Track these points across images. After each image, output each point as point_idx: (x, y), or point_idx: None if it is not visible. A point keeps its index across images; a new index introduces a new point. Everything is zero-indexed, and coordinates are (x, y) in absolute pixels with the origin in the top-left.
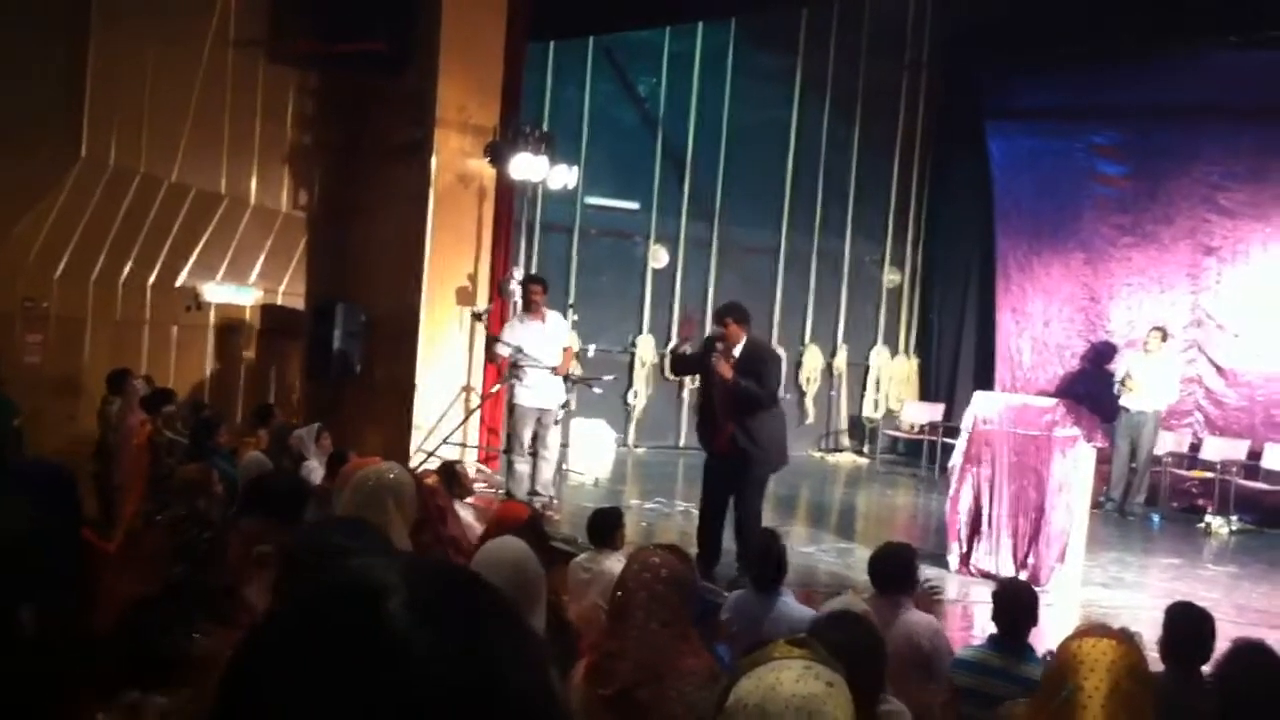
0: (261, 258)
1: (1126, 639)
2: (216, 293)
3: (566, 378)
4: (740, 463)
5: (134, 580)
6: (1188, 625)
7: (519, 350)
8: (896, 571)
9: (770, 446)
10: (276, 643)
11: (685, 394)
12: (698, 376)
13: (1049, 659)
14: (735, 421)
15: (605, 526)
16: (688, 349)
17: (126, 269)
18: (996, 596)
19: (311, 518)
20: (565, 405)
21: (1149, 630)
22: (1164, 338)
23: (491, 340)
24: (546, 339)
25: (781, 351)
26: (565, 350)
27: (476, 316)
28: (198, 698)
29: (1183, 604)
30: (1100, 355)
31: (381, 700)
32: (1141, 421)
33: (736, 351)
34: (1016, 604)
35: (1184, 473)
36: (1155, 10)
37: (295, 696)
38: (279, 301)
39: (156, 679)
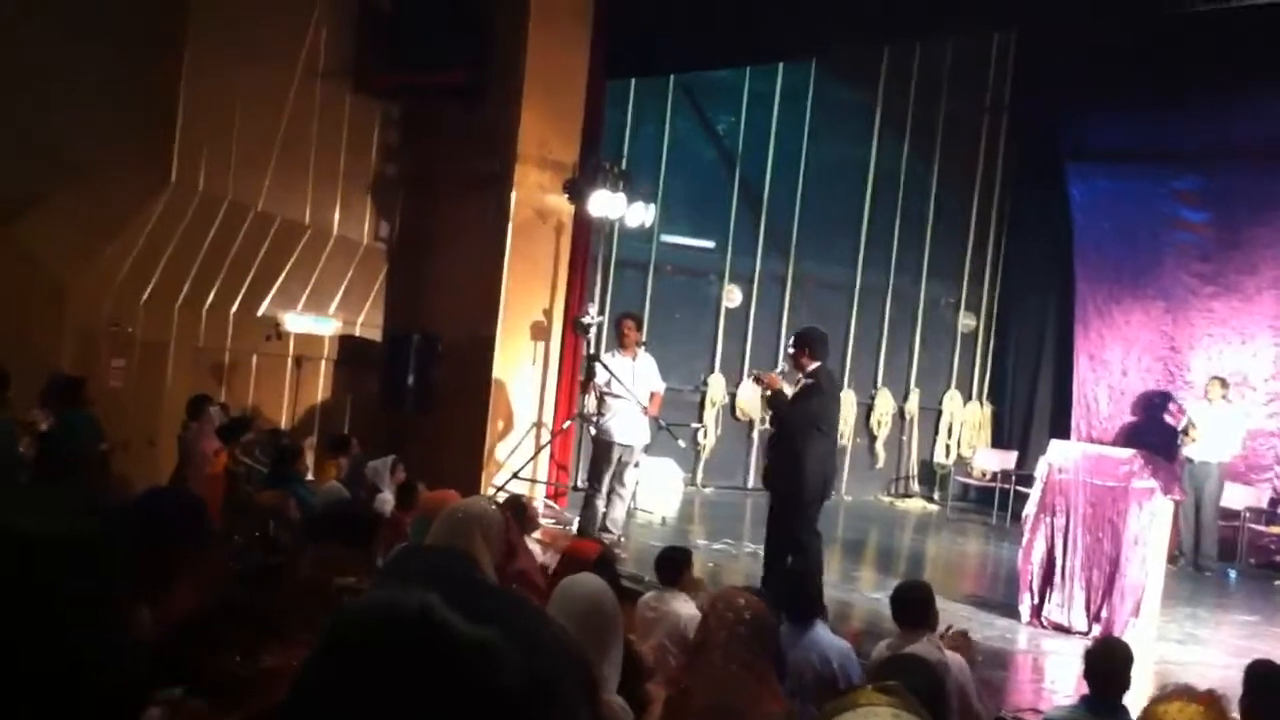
0: (342, 289)
1: (1213, 702)
2: (296, 322)
3: (656, 420)
4: (773, 486)
5: (194, 599)
6: (1271, 685)
7: (609, 382)
8: (915, 608)
9: (790, 472)
10: (338, 683)
11: (754, 434)
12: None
13: None
14: (774, 443)
15: (672, 565)
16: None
17: (211, 296)
18: (1090, 655)
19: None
20: (659, 428)
21: (1224, 688)
22: (1224, 386)
23: (593, 358)
24: (636, 376)
25: (851, 396)
26: (654, 395)
27: (583, 329)
28: (252, 715)
29: (1265, 663)
30: (1179, 407)
31: (470, 696)
32: (1206, 473)
33: (801, 376)
34: (1111, 663)
35: (1262, 528)
36: (1238, 54)
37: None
38: (357, 332)
39: (209, 697)
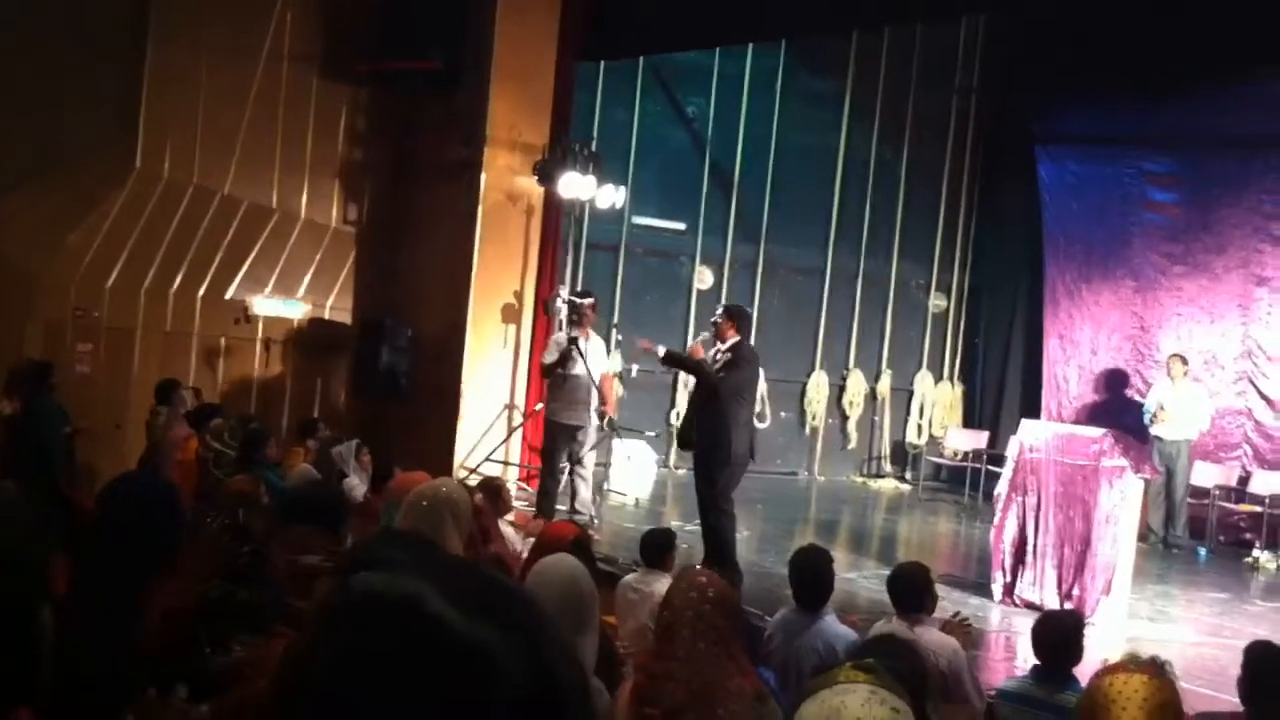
0: (310, 272)
1: (1158, 672)
2: (265, 306)
3: (610, 422)
4: (695, 455)
5: (174, 594)
6: (1270, 665)
7: (567, 364)
8: (912, 591)
9: (715, 439)
10: (324, 664)
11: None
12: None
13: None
14: (695, 412)
15: (657, 547)
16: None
17: (177, 280)
18: (1037, 627)
19: (358, 535)
20: (610, 429)
21: (1196, 665)
22: (1184, 363)
23: (573, 341)
24: (588, 358)
25: (824, 377)
26: (604, 377)
27: (578, 311)
28: (232, 707)
29: (1263, 644)
30: (1149, 385)
31: (463, 698)
32: (1176, 452)
33: (724, 346)
34: (1057, 635)
35: (1232, 506)
36: (1209, 38)
37: (369, 709)
38: (326, 316)
39: (190, 691)
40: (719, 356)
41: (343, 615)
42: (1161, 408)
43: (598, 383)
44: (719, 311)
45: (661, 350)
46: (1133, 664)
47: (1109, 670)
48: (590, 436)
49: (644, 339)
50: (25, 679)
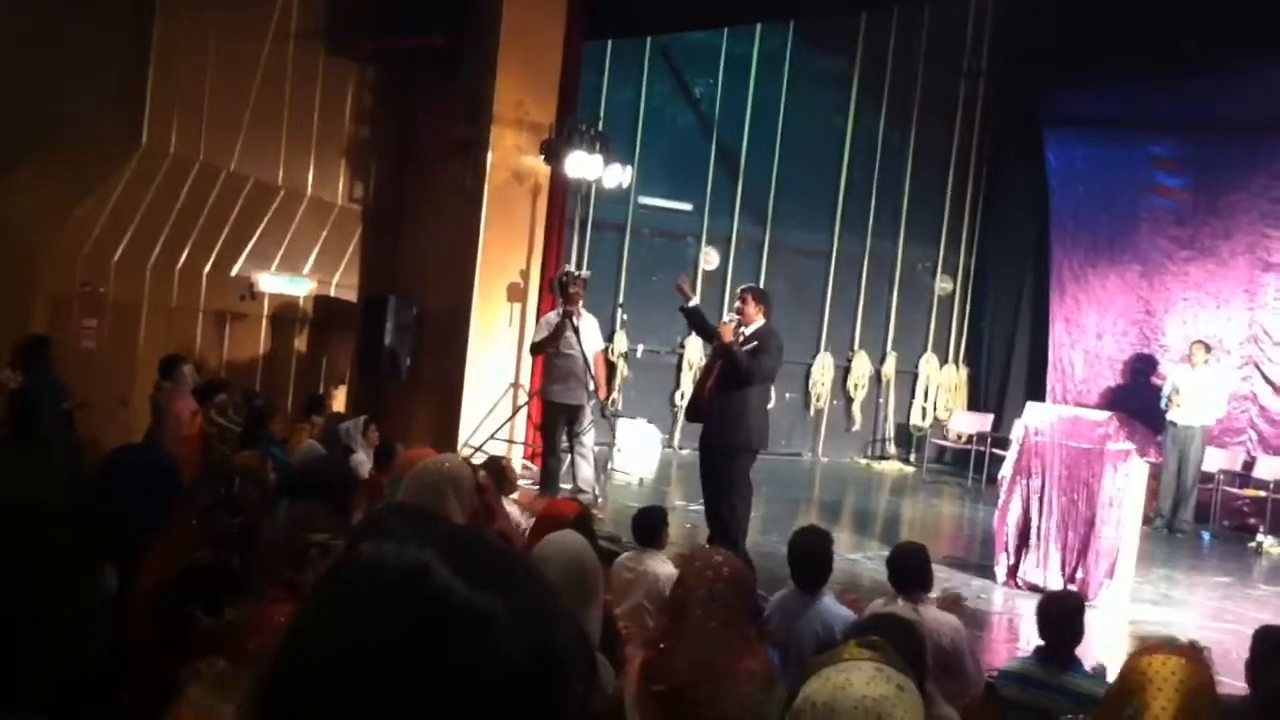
0: (316, 249)
1: (1195, 656)
2: (270, 282)
3: (603, 408)
4: (708, 436)
5: (165, 563)
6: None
7: (560, 342)
8: (913, 571)
9: (737, 422)
10: (332, 631)
11: None
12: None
13: (1098, 669)
14: (715, 393)
15: (650, 525)
16: (695, 301)
17: (183, 256)
18: (1040, 609)
19: (363, 511)
20: (603, 415)
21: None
22: (1207, 350)
23: (567, 315)
24: (581, 336)
25: (829, 359)
26: (596, 355)
27: (574, 278)
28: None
29: (1275, 628)
30: (1154, 369)
31: (468, 666)
32: (1189, 437)
33: (748, 330)
34: (1059, 616)
35: (1236, 491)
36: (1218, 22)
37: (376, 680)
38: (332, 293)
39: (179, 656)
40: (741, 341)
41: (350, 584)
42: (1177, 391)
43: (579, 357)
44: (742, 293)
45: (695, 301)
46: (1171, 646)
47: (1147, 650)
48: (588, 415)
49: (684, 280)
50: (29, 677)
